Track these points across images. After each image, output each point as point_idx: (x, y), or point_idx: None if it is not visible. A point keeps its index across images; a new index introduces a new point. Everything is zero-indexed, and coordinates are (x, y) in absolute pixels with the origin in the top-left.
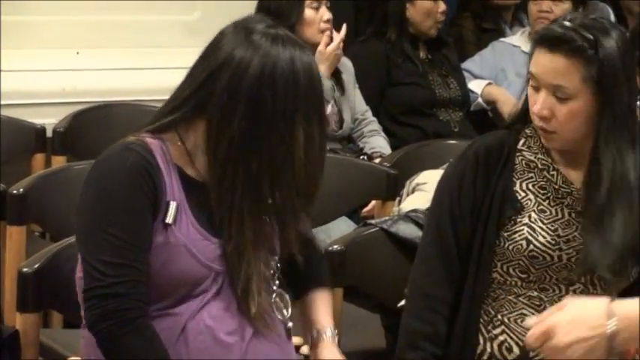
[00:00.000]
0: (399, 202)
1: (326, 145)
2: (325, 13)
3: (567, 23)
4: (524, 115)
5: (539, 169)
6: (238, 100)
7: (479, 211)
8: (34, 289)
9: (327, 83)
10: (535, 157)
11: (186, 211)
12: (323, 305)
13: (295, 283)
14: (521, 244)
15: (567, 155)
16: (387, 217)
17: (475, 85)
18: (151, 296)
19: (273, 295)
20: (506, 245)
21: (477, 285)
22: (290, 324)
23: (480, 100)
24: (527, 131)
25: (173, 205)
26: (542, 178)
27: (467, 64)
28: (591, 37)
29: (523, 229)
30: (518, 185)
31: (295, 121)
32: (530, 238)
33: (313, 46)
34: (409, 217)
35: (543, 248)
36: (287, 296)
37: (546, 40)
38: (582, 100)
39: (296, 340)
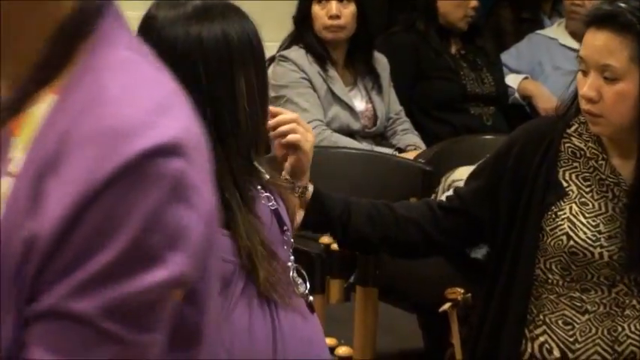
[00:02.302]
0: (435, 199)
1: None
2: (332, 9)
3: (617, 2)
4: (576, 103)
5: (587, 158)
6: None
7: (519, 193)
8: None
9: None
10: (585, 145)
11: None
12: None
13: None
14: (561, 240)
15: (619, 145)
16: None
17: (511, 80)
18: None
19: (291, 271)
20: (548, 240)
21: (522, 280)
22: (311, 298)
23: (516, 94)
24: (580, 118)
25: None
26: (587, 168)
27: (503, 57)
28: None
29: (564, 224)
30: (561, 174)
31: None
32: (570, 233)
33: (320, 42)
34: None
35: (584, 244)
36: (303, 271)
37: (594, 19)
38: (631, 81)
39: (330, 341)
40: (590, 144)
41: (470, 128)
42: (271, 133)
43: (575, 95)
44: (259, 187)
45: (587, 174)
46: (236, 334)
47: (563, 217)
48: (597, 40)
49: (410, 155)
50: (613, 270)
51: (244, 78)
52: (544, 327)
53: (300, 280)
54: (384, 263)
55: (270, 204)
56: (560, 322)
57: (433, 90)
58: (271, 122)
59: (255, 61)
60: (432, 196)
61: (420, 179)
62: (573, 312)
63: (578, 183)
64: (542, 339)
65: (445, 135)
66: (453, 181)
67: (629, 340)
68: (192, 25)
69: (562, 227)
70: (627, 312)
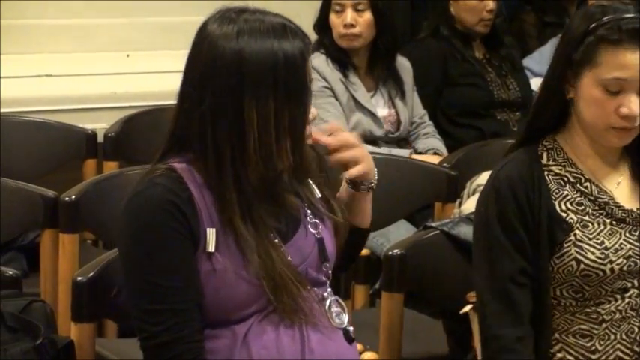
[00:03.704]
0: (460, 204)
1: (298, 127)
2: (347, 18)
3: (633, 16)
4: (547, 121)
5: (572, 184)
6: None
7: (531, 243)
8: (89, 299)
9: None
10: (564, 170)
11: (227, 233)
12: None
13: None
14: (571, 265)
15: (595, 161)
16: (447, 220)
17: (534, 84)
18: (209, 320)
19: (327, 303)
20: (556, 269)
21: (540, 316)
22: (351, 328)
23: None
24: (545, 144)
25: (211, 233)
26: (576, 193)
27: (527, 61)
28: None
29: (571, 250)
30: (557, 206)
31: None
32: (579, 257)
33: (341, 51)
34: (470, 219)
35: (595, 265)
36: (342, 301)
37: (628, 37)
38: None
39: (357, 347)
40: (567, 168)
41: (497, 134)
42: (332, 158)
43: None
44: (308, 212)
45: (579, 199)
46: (264, 350)
47: (568, 244)
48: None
49: (429, 159)
50: (624, 279)
51: (256, 105)
52: (560, 344)
53: (336, 312)
54: (409, 269)
55: (316, 232)
56: (577, 335)
57: (460, 96)
58: (333, 143)
59: (277, 88)
60: (457, 201)
61: (444, 184)
62: (590, 324)
63: (574, 209)
64: (559, 355)
65: (472, 141)
66: (478, 186)
67: None
68: (221, 41)
69: (569, 254)
70: None
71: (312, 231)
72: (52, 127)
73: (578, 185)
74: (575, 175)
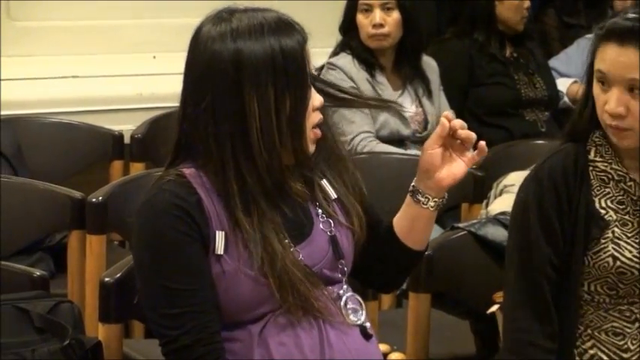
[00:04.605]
0: (487, 205)
1: (299, 115)
2: (375, 18)
3: (633, 16)
4: (588, 121)
5: (615, 181)
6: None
7: (565, 237)
8: (116, 300)
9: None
10: (609, 167)
11: (236, 235)
12: None
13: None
14: (607, 262)
15: (633, 160)
16: (474, 220)
17: (561, 84)
18: (224, 322)
19: (343, 300)
20: (592, 264)
21: (567, 309)
22: (368, 324)
23: (565, 99)
24: (595, 139)
25: (220, 236)
26: (619, 192)
27: (552, 63)
28: None
29: (608, 246)
30: (597, 203)
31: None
32: (616, 254)
33: (367, 50)
34: (498, 219)
35: (631, 263)
36: (359, 298)
37: (614, 34)
38: None
39: (383, 347)
40: (613, 165)
41: (525, 134)
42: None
43: (591, 117)
44: (320, 211)
45: (621, 197)
46: (282, 347)
47: (606, 241)
48: (622, 56)
49: None
50: None
51: (257, 97)
52: (592, 341)
53: (351, 309)
54: (436, 269)
55: (329, 230)
56: (610, 333)
57: (487, 96)
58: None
59: (277, 79)
60: (484, 202)
61: (471, 185)
62: (623, 322)
63: (614, 207)
64: (591, 352)
65: (500, 141)
66: (505, 186)
67: None
68: (216, 42)
69: (606, 250)
70: None
71: (325, 229)
72: (79, 129)
73: (622, 184)
74: (620, 173)
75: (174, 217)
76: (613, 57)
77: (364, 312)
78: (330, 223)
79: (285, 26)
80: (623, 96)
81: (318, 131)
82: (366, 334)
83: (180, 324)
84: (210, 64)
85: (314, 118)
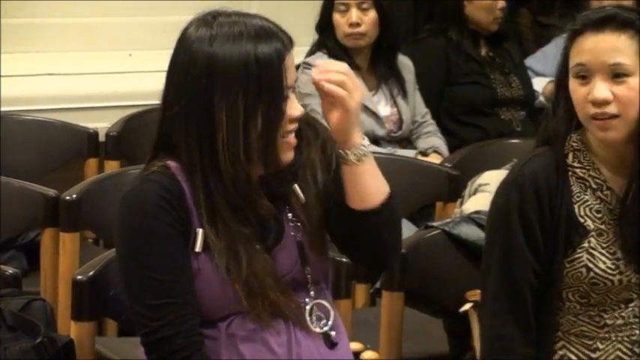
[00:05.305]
0: (461, 204)
1: (271, 129)
2: (352, 17)
3: (601, 8)
4: (564, 123)
5: (593, 189)
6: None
7: (546, 244)
8: (89, 298)
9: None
10: (587, 175)
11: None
12: None
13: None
14: (581, 272)
15: (616, 167)
16: (448, 219)
17: (537, 83)
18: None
19: (308, 307)
20: (566, 272)
21: (546, 316)
22: (333, 333)
23: (541, 98)
24: (572, 144)
25: (200, 233)
26: (596, 200)
27: (529, 61)
28: (632, 12)
29: (582, 256)
30: (577, 210)
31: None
32: (590, 265)
33: (343, 50)
34: (472, 218)
35: (604, 275)
36: (327, 304)
37: (589, 25)
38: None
39: (356, 346)
40: (591, 172)
41: (500, 133)
42: (316, 80)
43: (566, 119)
44: (290, 216)
45: (598, 206)
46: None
47: (581, 250)
48: (601, 42)
49: (431, 158)
50: (630, 290)
51: (226, 108)
52: (562, 342)
53: (316, 317)
54: (409, 268)
55: (297, 235)
56: (579, 336)
57: (463, 95)
58: (316, 74)
59: (248, 90)
60: (459, 201)
61: (446, 183)
62: (592, 327)
63: (592, 216)
64: (561, 353)
65: (475, 140)
66: (480, 185)
67: None
68: (194, 45)
69: (580, 260)
70: None
71: (294, 234)
72: (54, 126)
73: (599, 192)
74: (597, 181)
75: (159, 208)
76: (592, 46)
77: (332, 320)
78: (299, 227)
79: (265, 34)
80: (606, 83)
81: (293, 139)
82: (329, 343)
83: (161, 315)
84: (187, 67)
85: (289, 127)
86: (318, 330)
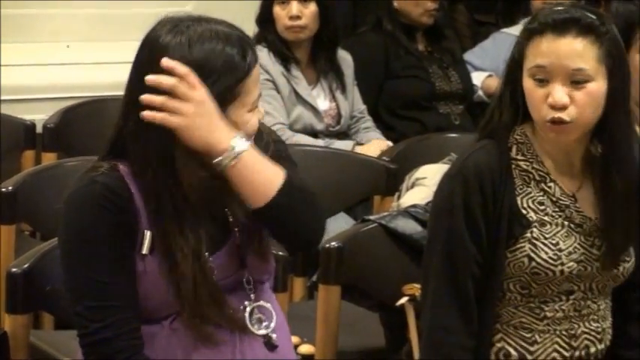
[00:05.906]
0: (399, 197)
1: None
2: (292, 10)
3: (563, 8)
4: (510, 118)
5: (536, 181)
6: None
7: (489, 235)
8: (24, 290)
9: None
10: (531, 167)
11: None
12: None
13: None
14: (522, 262)
15: (561, 161)
16: (385, 213)
17: (475, 78)
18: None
19: (247, 311)
20: (507, 262)
21: (487, 307)
22: (274, 335)
23: (480, 92)
24: (516, 137)
25: (148, 235)
26: (539, 192)
27: (467, 56)
28: (595, 15)
29: (525, 246)
30: (519, 202)
31: None
32: (532, 255)
33: (283, 42)
34: (408, 212)
35: (546, 265)
36: (268, 305)
37: (550, 26)
38: (600, 80)
39: (293, 339)
40: (534, 165)
41: (439, 127)
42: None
43: (511, 114)
44: (231, 219)
45: (541, 197)
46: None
47: (524, 241)
48: (563, 45)
49: (375, 144)
50: (571, 282)
51: None
52: (501, 334)
53: (256, 320)
54: (346, 262)
55: (239, 238)
56: (518, 328)
57: (402, 89)
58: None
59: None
60: (396, 195)
61: (383, 177)
62: (531, 319)
63: (534, 208)
64: (499, 345)
65: (414, 134)
66: (417, 179)
67: (584, 335)
68: (152, 45)
69: (523, 250)
70: (584, 312)
71: (235, 237)
72: None
73: (542, 184)
74: (541, 173)
75: (104, 210)
76: (553, 49)
77: (274, 321)
78: (240, 230)
79: (230, 41)
80: (565, 87)
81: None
82: (270, 345)
83: (102, 317)
84: (141, 68)
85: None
86: (259, 332)
